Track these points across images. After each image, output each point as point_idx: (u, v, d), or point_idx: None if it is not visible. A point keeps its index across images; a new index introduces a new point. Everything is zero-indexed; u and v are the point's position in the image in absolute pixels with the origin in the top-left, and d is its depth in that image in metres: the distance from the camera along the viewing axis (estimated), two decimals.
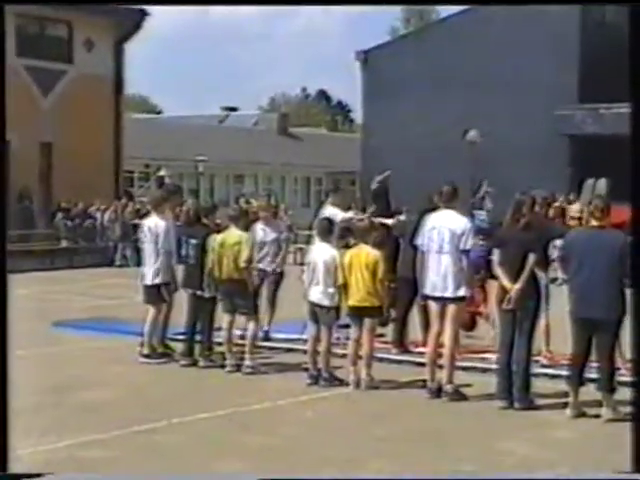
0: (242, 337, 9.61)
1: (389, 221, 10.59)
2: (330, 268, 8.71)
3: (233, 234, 9.44)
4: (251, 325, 9.29)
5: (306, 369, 8.84)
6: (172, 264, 9.99)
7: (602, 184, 9.78)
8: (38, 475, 5.15)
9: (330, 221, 9.43)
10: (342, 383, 8.61)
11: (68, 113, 25.08)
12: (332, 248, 8.96)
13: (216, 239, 9.49)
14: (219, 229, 9.90)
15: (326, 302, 8.70)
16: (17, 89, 22.06)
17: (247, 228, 9.85)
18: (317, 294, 8.75)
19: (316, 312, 8.78)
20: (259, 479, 5.81)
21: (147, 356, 9.83)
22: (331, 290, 8.70)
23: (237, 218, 9.60)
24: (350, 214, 10.82)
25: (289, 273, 11.03)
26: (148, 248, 10.03)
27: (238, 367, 9.26)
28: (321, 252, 8.90)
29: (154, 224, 10.05)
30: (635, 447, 5.19)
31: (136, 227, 10.51)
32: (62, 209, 24.99)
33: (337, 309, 8.82)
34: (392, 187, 11.35)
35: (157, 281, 9.90)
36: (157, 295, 9.92)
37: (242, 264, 9.24)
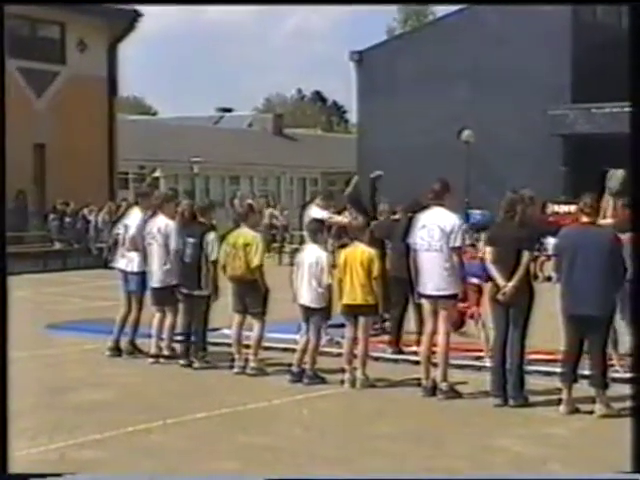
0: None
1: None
2: (317, 269, 8.70)
3: (244, 234, 9.31)
4: (257, 326, 9.20)
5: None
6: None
7: (618, 175, 9.49)
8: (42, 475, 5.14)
9: (320, 222, 9.42)
10: (324, 381, 8.66)
11: (61, 114, 25.05)
12: (321, 249, 8.94)
13: (227, 238, 9.40)
14: (215, 228, 9.82)
15: (314, 304, 8.70)
16: (10, 90, 21.88)
17: (255, 226, 9.71)
18: (305, 295, 8.74)
19: (307, 313, 8.79)
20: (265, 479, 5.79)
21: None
22: (320, 291, 8.70)
23: (245, 216, 9.52)
24: (333, 215, 10.79)
25: (284, 273, 10.99)
26: (158, 249, 9.90)
27: (243, 368, 9.20)
28: (309, 253, 8.90)
29: (164, 224, 9.92)
30: (635, 446, 5.17)
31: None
32: (55, 210, 24.88)
33: (326, 309, 8.82)
34: (387, 185, 11.36)
35: (170, 282, 9.79)
36: (170, 297, 9.82)
37: (255, 263, 9.10)
